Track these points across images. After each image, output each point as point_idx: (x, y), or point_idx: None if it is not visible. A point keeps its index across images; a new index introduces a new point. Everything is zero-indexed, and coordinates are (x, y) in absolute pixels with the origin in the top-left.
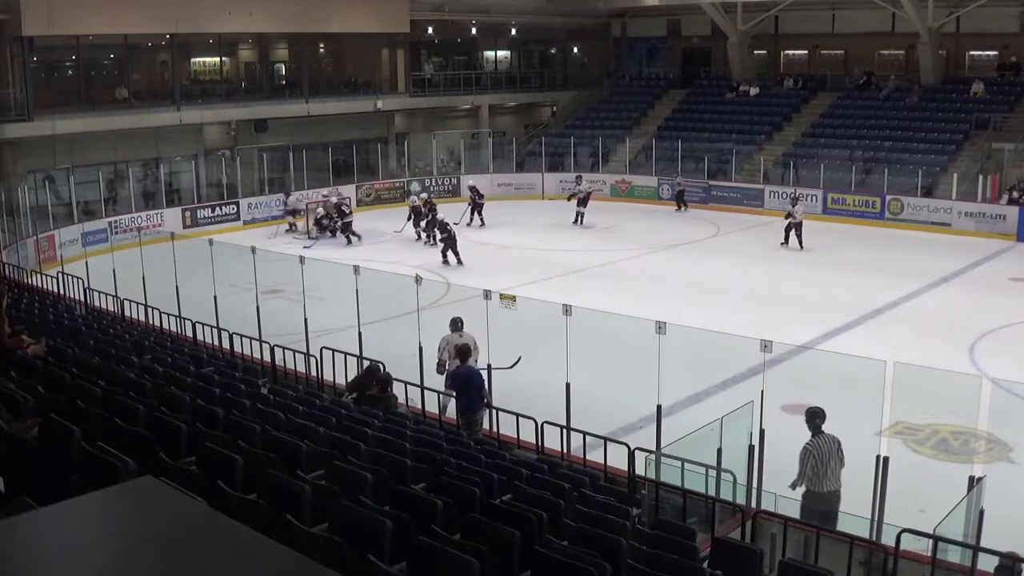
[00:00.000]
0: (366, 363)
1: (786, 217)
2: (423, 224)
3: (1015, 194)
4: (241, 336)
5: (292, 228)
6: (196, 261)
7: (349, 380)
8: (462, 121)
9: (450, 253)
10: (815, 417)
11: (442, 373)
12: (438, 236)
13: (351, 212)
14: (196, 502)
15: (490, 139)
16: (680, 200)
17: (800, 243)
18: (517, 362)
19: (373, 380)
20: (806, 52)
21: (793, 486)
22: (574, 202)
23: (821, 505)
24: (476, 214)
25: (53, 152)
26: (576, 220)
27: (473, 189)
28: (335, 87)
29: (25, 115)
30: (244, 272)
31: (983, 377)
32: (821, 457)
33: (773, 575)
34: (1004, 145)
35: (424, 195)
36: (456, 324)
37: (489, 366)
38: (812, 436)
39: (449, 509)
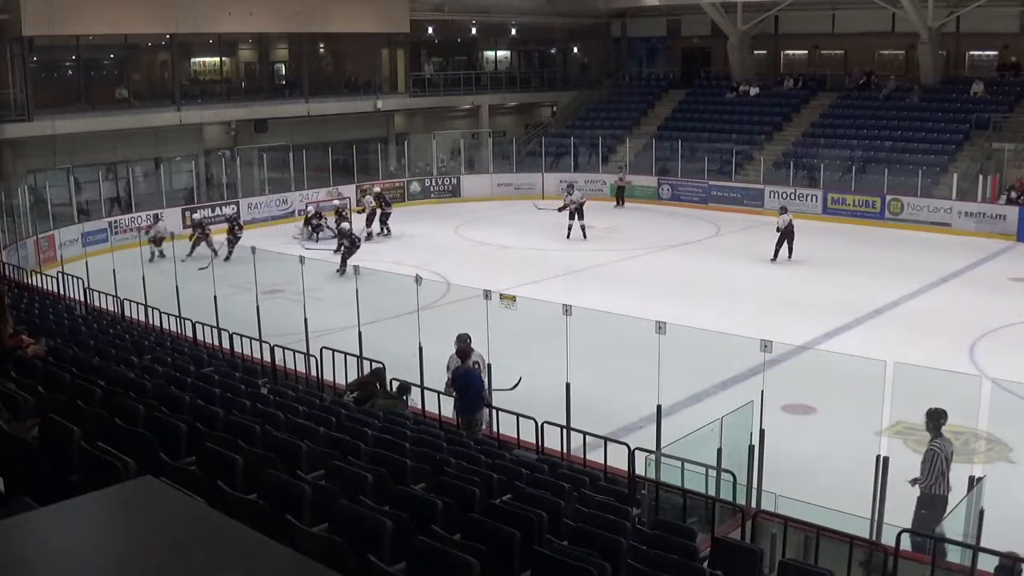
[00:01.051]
0: (367, 364)
1: (777, 230)
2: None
3: (1013, 194)
4: (241, 336)
5: (158, 256)
6: (196, 261)
7: (351, 379)
8: (462, 121)
9: (349, 261)
10: (939, 418)
11: (451, 395)
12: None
13: (242, 229)
14: (196, 502)
15: (490, 139)
16: (620, 196)
17: (789, 253)
18: (518, 383)
19: (380, 380)
20: (806, 52)
21: (914, 483)
22: (565, 214)
23: (938, 509)
24: (383, 224)
25: (53, 152)
26: (568, 234)
27: (380, 197)
28: (335, 87)
29: (25, 115)
30: (244, 272)
31: (983, 377)
32: (947, 458)
33: (773, 575)
34: (1004, 145)
35: (370, 198)
36: (463, 341)
37: (489, 367)
38: (933, 438)
39: (449, 509)
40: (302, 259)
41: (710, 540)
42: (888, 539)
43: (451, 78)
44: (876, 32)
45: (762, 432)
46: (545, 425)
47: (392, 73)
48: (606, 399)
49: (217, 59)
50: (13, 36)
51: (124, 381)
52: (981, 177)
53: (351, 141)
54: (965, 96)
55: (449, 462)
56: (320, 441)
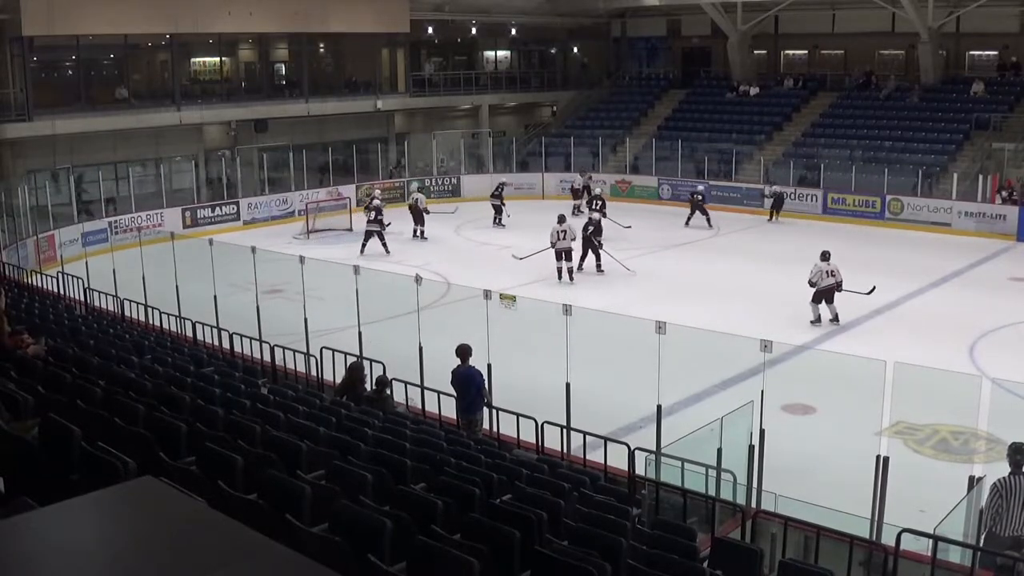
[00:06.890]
0: (368, 364)
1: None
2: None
3: (1005, 194)
4: (241, 336)
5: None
6: (196, 261)
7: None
8: (462, 121)
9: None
10: (1016, 453)
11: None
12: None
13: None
14: (196, 502)
15: (490, 139)
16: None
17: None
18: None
19: (358, 378)
20: (806, 52)
21: (980, 515)
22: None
23: (1000, 550)
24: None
25: (53, 152)
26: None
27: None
28: (335, 87)
29: (25, 115)
30: (244, 272)
31: (983, 377)
32: (1008, 497)
33: (773, 575)
34: (1004, 145)
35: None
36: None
37: (489, 366)
38: (1010, 473)
39: (449, 509)
40: (302, 259)
41: (710, 540)
42: (888, 539)
43: (451, 78)
44: (876, 32)
45: (762, 432)
46: (545, 425)
47: (392, 73)
48: (606, 399)
49: (217, 59)
50: (13, 36)
51: (124, 381)
52: (981, 177)
53: (351, 141)
54: (965, 96)
55: (449, 462)
56: (320, 441)
